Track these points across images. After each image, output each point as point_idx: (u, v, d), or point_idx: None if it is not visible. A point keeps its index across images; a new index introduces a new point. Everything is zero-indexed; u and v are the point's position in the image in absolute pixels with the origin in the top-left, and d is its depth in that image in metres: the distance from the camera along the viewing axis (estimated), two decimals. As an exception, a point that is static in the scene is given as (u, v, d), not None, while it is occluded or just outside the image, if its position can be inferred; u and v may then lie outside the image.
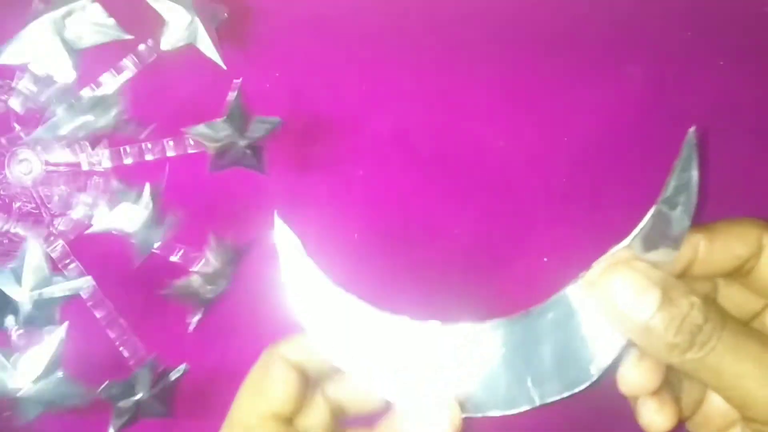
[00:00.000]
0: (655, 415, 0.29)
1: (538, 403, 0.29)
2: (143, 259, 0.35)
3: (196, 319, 0.37)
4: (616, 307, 0.26)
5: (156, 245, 0.36)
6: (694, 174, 0.28)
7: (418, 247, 0.42)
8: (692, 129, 0.27)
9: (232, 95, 0.35)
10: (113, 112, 0.33)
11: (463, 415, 0.28)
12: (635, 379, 0.28)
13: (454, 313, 0.42)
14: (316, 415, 0.31)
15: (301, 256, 0.30)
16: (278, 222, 0.31)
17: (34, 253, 0.34)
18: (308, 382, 0.31)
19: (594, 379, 0.28)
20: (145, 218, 0.35)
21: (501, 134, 0.41)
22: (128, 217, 0.35)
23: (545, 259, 0.41)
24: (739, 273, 0.28)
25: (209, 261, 0.36)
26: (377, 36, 0.41)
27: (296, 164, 0.41)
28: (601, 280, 0.27)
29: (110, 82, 0.34)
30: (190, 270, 0.38)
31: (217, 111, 0.35)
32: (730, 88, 0.40)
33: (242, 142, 0.36)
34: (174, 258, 0.38)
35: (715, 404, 0.31)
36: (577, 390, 0.28)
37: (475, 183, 0.41)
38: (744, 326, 0.26)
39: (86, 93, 0.35)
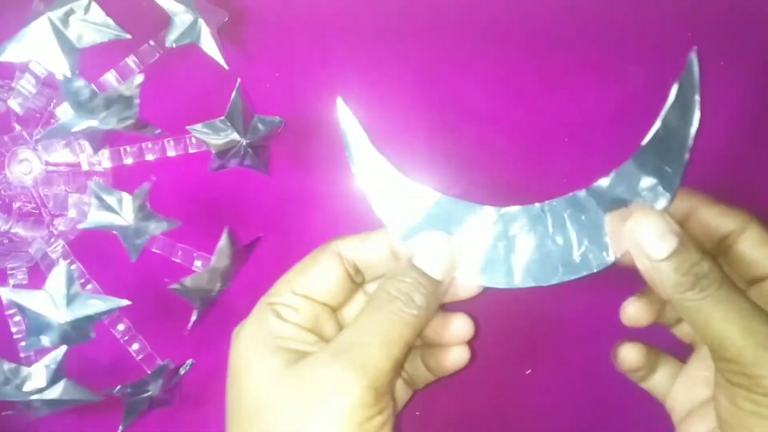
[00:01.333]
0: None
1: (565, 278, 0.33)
2: (138, 256, 0.35)
3: (198, 315, 0.37)
4: (638, 242, 0.30)
5: (144, 240, 0.35)
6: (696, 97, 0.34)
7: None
8: (694, 50, 0.32)
9: (233, 94, 0.35)
10: (127, 113, 0.33)
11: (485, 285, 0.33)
12: (633, 312, 0.34)
13: (453, 308, 0.42)
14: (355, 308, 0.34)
15: (367, 144, 0.34)
16: (342, 107, 0.34)
17: (64, 274, 0.34)
18: (353, 282, 0.34)
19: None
20: (134, 216, 0.35)
21: (501, 134, 0.41)
22: (116, 214, 0.35)
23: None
24: (720, 247, 0.32)
25: (222, 255, 0.36)
26: (377, 36, 0.41)
27: (297, 164, 0.41)
28: (631, 222, 0.31)
29: (126, 83, 0.34)
30: (198, 267, 0.38)
31: (220, 111, 0.35)
32: (730, 88, 0.40)
33: (244, 142, 0.36)
34: (176, 259, 0.38)
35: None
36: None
37: (475, 183, 0.41)
38: (738, 288, 0.30)
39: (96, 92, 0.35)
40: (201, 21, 0.35)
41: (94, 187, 0.34)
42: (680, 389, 0.35)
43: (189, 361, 0.40)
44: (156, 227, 0.35)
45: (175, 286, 0.36)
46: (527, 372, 0.42)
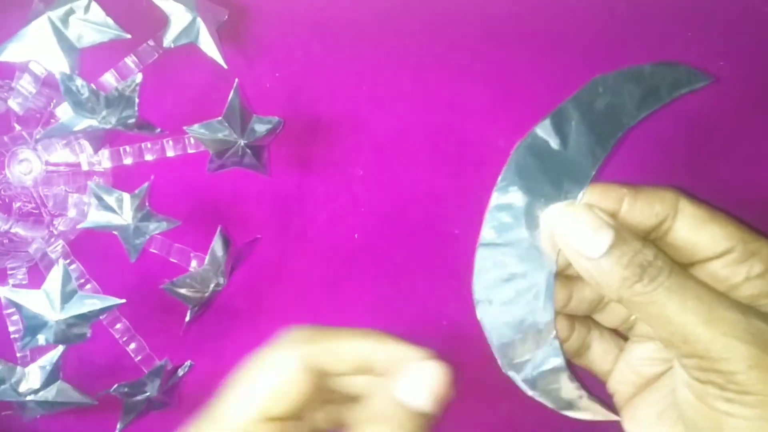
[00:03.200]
0: None
1: None
2: (137, 256, 0.35)
3: (191, 316, 0.37)
4: (571, 244, 0.27)
5: (143, 240, 0.36)
6: None
7: (418, 247, 0.42)
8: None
9: (230, 95, 0.35)
10: (127, 112, 0.33)
11: None
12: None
13: (454, 311, 0.42)
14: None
15: None
16: None
17: (61, 273, 0.34)
18: (322, 383, 0.28)
19: None
20: (133, 215, 0.35)
21: (501, 134, 0.41)
22: (115, 214, 0.35)
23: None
24: (655, 234, 0.29)
25: (215, 255, 0.36)
26: (377, 36, 0.41)
27: (296, 164, 0.41)
28: (558, 219, 0.28)
29: (125, 82, 0.34)
30: (194, 266, 0.38)
31: (220, 111, 0.35)
32: (730, 88, 0.40)
33: (242, 142, 0.36)
34: (173, 259, 0.38)
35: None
36: None
37: (475, 183, 0.41)
38: (690, 273, 0.27)
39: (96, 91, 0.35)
40: (199, 21, 0.35)
41: (93, 187, 0.35)
42: (622, 371, 0.32)
43: (188, 363, 0.40)
44: (155, 227, 0.35)
45: (167, 285, 0.36)
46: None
